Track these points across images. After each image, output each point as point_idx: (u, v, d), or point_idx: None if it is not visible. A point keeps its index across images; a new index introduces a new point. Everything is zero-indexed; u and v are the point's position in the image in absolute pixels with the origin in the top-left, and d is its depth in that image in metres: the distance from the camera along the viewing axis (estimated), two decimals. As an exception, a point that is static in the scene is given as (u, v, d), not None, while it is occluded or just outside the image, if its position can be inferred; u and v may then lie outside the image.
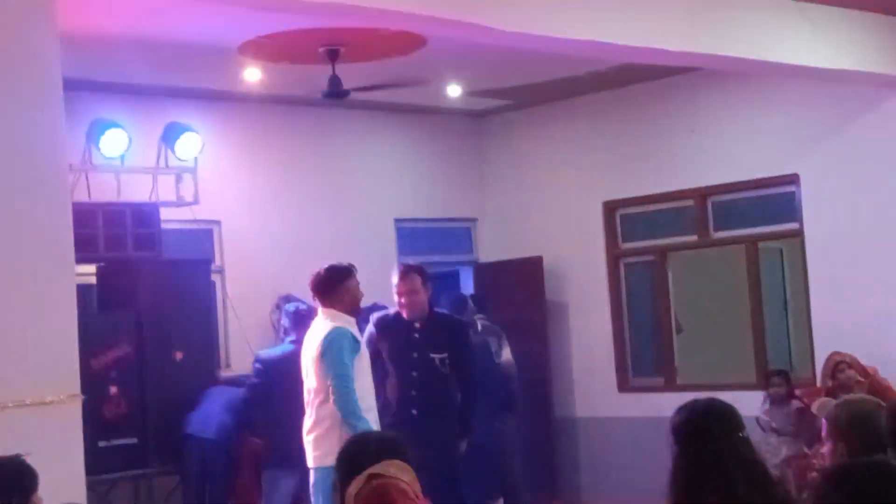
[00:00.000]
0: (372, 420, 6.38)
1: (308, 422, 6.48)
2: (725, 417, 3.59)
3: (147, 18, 7.40)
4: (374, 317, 7.15)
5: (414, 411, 6.85)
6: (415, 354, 6.93)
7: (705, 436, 3.51)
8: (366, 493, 3.27)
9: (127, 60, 8.22)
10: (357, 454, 3.41)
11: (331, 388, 6.30)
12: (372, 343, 6.94)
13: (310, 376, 6.47)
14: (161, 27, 7.63)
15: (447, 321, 7.20)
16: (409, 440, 3.36)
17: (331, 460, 6.23)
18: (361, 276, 9.87)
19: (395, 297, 7.05)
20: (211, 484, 7.50)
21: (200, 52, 8.26)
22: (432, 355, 6.91)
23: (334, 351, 6.32)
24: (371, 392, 6.52)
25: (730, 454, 3.48)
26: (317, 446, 6.40)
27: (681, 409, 3.63)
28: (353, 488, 3.28)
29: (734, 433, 3.55)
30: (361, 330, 6.76)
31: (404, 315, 6.98)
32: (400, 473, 3.32)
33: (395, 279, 7.04)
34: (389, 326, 7.02)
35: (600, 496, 9.87)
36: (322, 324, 6.47)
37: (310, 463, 6.46)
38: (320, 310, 6.55)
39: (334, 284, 6.51)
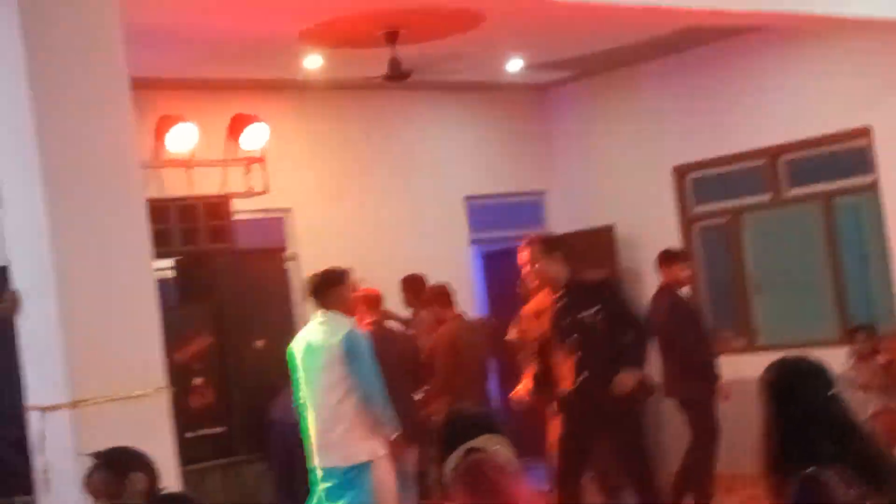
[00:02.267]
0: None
1: (319, 420, 6.59)
2: (816, 375, 3.56)
3: (208, 12, 7.45)
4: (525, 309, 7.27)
5: (585, 374, 6.86)
6: (567, 320, 6.93)
7: (796, 394, 3.48)
8: (464, 468, 3.30)
9: (190, 55, 8.33)
10: (456, 429, 3.44)
11: (360, 386, 6.48)
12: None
13: (317, 374, 6.59)
14: (222, 20, 7.68)
15: (588, 281, 7.16)
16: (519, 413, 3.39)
17: (366, 456, 6.44)
18: (436, 256, 10.04)
19: None
20: (299, 468, 7.55)
21: (262, 43, 8.32)
22: (580, 315, 6.90)
23: (362, 350, 6.51)
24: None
25: (823, 412, 3.45)
26: (344, 445, 6.52)
27: (771, 368, 3.59)
28: (451, 462, 3.31)
29: (825, 390, 3.51)
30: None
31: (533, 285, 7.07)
32: (498, 447, 3.34)
33: None
34: (538, 311, 7.11)
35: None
36: (328, 324, 6.59)
37: (331, 462, 6.55)
38: (320, 311, 6.65)
39: (332, 287, 6.64)
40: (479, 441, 3.34)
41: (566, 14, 7.21)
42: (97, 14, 5.52)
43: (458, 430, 3.41)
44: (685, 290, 8.73)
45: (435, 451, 3.45)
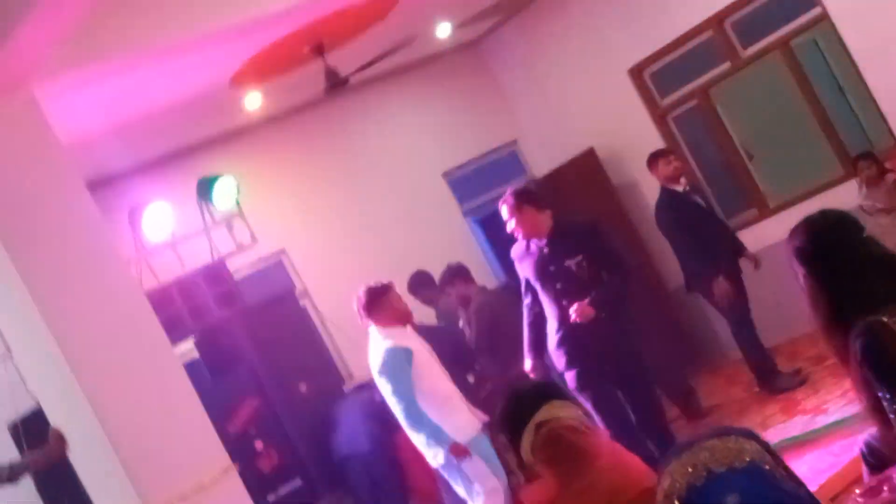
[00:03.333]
0: (450, 403, 6.67)
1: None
2: (844, 223, 3.50)
3: (136, 95, 7.41)
4: (512, 250, 7.17)
5: (573, 320, 6.79)
6: (551, 268, 6.89)
7: (832, 248, 3.42)
8: (540, 443, 3.27)
9: (136, 137, 8.26)
10: (516, 410, 3.40)
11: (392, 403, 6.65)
12: (520, 275, 7.10)
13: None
14: (152, 93, 7.62)
15: (570, 226, 7.09)
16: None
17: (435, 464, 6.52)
18: (435, 240, 10.02)
19: None
20: (382, 492, 7.58)
21: (200, 102, 8.27)
22: (566, 263, 6.86)
23: (388, 370, 6.60)
24: (444, 377, 6.77)
25: (863, 256, 3.40)
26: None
27: (796, 232, 3.52)
28: (526, 443, 3.28)
29: (858, 234, 3.47)
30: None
31: (521, 238, 7.01)
32: (564, 412, 3.31)
33: None
34: (523, 253, 7.03)
35: (724, 347, 9.75)
36: (376, 341, 6.70)
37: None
38: (372, 327, 6.73)
39: (375, 301, 6.71)
40: (544, 412, 3.30)
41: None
42: (32, 133, 5.49)
43: (521, 408, 3.37)
44: (683, 183, 8.70)
45: (504, 438, 3.41)
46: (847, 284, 3.39)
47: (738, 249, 8.56)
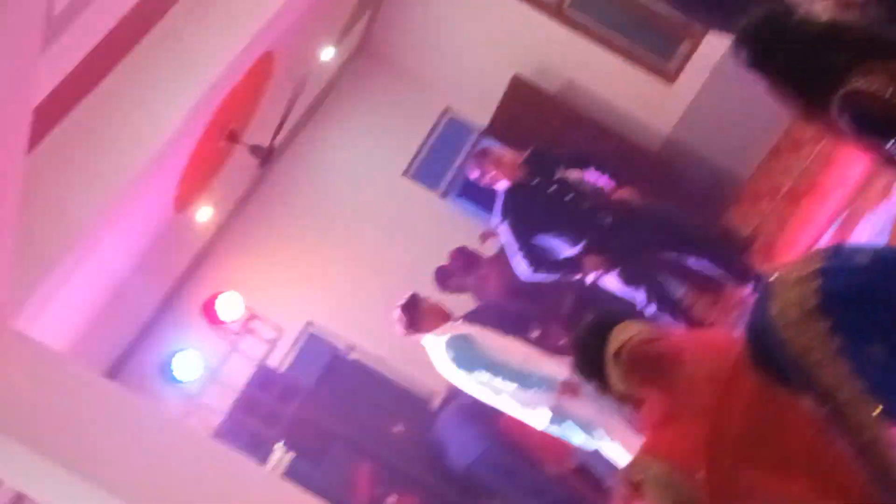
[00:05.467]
0: (531, 360, 6.69)
1: None
2: (773, 17, 3.37)
3: (102, 275, 7.46)
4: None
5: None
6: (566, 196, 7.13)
7: (773, 45, 3.31)
8: (626, 371, 3.27)
9: (124, 311, 8.33)
10: (587, 354, 3.41)
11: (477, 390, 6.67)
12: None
13: None
14: (116, 268, 7.69)
15: (534, 158, 7.32)
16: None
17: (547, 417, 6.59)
18: (433, 234, 10.04)
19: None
20: (518, 477, 7.64)
21: (159, 243, 8.32)
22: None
23: (457, 361, 6.61)
24: (513, 343, 6.80)
25: (806, 40, 3.27)
26: None
27: (734, 45, 3.41)
28: (614, 378, 3.28)
29: (792, 20, 3.33)
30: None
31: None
32: (628, 332, 3.32)
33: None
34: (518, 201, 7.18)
35: (730, 172, 9.77)
36: (433, 345, 6.71)
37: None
38: (424, 338, 6.76)
39: (412, 316, 6.74)
40: (613, 343, 3.33)
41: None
42: (37, 362, 5.56)
43: (590, 351, 3.40)
44: None
45: (594, 385, 3.41)
46: (805, 70, 3.34)
47: None
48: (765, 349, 2.48)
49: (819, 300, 2.37)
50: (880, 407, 2.34)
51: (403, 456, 8.37)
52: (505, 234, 7.28)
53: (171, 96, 6.30)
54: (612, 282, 7.09)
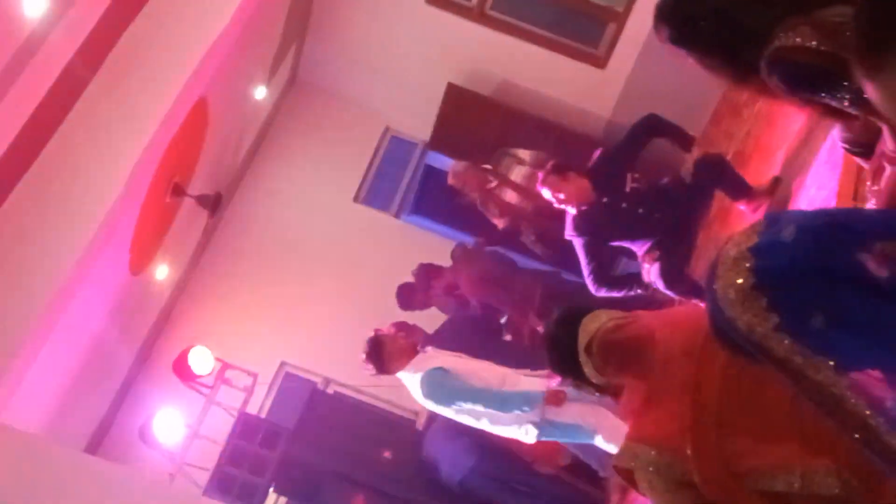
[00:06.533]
0: (509, 380, 6.62)
1: None
2: None
3: (72, 347, 7.39)
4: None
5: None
6: (624, 205, 7.15)
7: (687, 17, 3.19)
8: (600, 361, 3.23)
9: (96, 384, 8.25)
10: (560, 351, 3.36)
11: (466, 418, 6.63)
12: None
13: None
14: (81, 339, 7.62)
15: (598, 170, 7.37)
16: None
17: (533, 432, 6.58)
18: (392, 255, 10.03)
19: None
20: (511, 482, 7.62)
21: (122, 310, 8.26)
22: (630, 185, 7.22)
23: (437, 395, 6.55)
24: (488, 366, 6.71)
25: (719, 7, 3.14)
26: None
27: (654, 23, 3.29)
28: (589, 370, 3.25)
29: None
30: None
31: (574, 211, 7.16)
32: (596, 322, 3.29)
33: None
34: (593, 222, 7.15)
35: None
36: (409, 381, 6.64)
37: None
38: (398, 374, 6.69)
39: (380, 358, 6.65)
40: (582, 336, 3.29)
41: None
42: (15, 448, 5.48)
43: (562, 347, 3.36)
44: None
45: (570, 380, 3.37)
46: (728, 40, 3.32)
47: None
48: (720, 326, 2.49)
49: (754, 280, 2.40)
50: (832, 363, 2.35)
51: (396, 481, 8.32)
52: (578, 250, 7.26)
53: (110, 163, 6.25)
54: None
